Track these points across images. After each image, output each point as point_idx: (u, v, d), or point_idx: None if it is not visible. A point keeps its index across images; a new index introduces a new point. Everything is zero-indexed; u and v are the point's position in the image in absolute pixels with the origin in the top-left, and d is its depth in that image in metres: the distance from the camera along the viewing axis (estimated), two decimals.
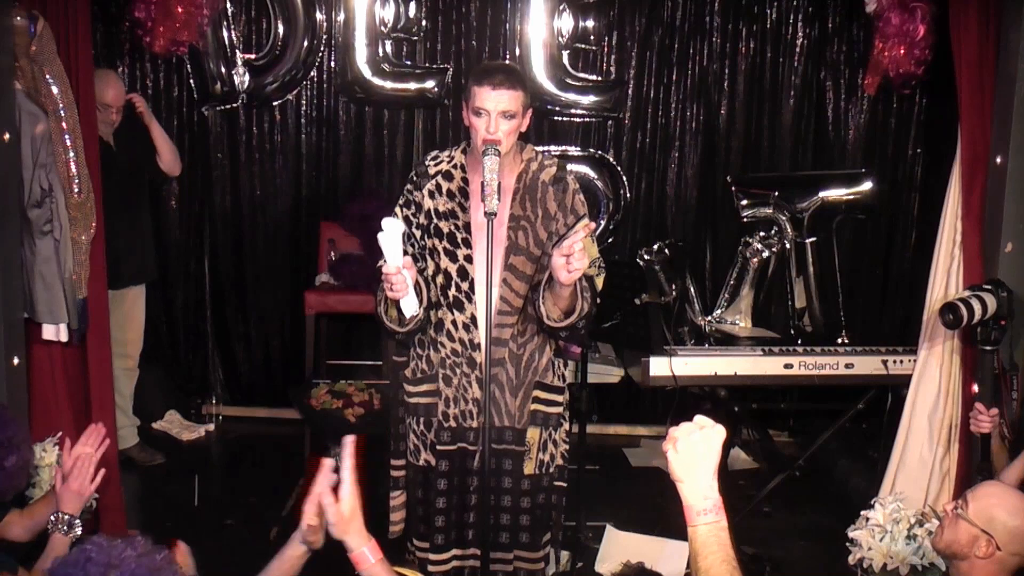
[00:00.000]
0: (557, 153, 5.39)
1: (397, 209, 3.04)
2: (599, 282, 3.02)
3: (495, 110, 2.84)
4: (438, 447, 3.02)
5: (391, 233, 2.73)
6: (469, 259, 2.94)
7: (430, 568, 3.06)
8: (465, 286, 2.94)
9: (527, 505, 3.04)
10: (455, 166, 3.00)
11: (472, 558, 3.05)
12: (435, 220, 2.97)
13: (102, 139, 4.55)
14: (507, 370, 2.97)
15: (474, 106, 2.86)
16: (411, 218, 3.01)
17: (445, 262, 2.96)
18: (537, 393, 3.02)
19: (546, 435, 3.05)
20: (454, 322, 2.96)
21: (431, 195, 2.99)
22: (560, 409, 3.08)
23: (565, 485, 3.17)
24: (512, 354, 2.97)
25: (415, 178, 3.03)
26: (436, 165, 3.02)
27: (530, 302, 2.95)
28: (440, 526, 3.06)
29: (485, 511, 2.92)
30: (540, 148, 3.23)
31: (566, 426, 3.16)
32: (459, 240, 2.95)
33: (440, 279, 2.97)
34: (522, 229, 2.95)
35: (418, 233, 2.99)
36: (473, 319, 2.95)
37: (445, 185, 2.98)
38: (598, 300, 2.98)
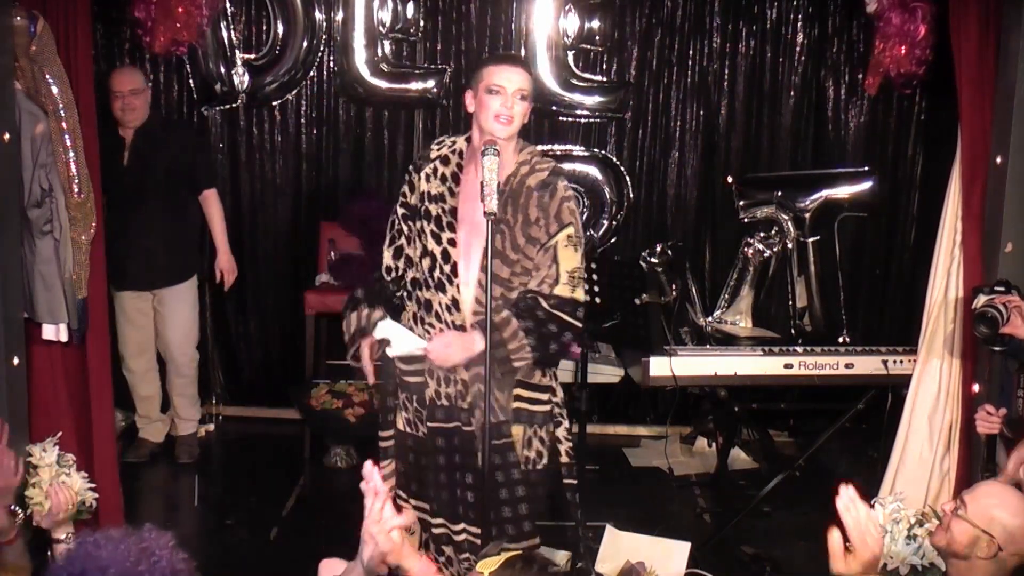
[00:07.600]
0: (560, 153, 5.38)
1: (405, 188, 3.12)
2: (578, 294, 2.98)
3: (511, 88, 2.88)
4: (430, 424, 3.04)
5: (391, 334, 2.94)
6: (452, 242, 2.99)
7: (432, 528, 3.12)
8: (448, 268, 2.98)
9: (521, 494, 3.03)
10: (454, 151, 3.05)
11: (461, 532, 3.07)
12: (426, 203, 3.03)
13: (120, 139, 4.59)
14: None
15: (489, 84, 2.89)
16: (406, 199, 3.08)
17: (431, 244, 3.01)
18: (519, 391, 3.03)
19: (531, 432, 3.05)
20: (440, 303, 2.99)
21: (427, 178, 3.05)
22: (548, 408, 3.08)
23: (575, 482, 3.18)
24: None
25: (418, 161, 3.11)
26: (438, 149, 3.08)
27: (508, 305, 2.94)
28: (433, 497, 3.09)
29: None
30: (542, 147, 3.23)
31: (565, 423, 3.15)
32: (444, 224, 2.99)
33: (427, 261, 3.01)
34: (500, 232, 2.94)
35: (408, 214, 3.07)
36: (455, 302, 2.97)
37: (441, 169, 3.03)
38: (579, 312, 2.97)
